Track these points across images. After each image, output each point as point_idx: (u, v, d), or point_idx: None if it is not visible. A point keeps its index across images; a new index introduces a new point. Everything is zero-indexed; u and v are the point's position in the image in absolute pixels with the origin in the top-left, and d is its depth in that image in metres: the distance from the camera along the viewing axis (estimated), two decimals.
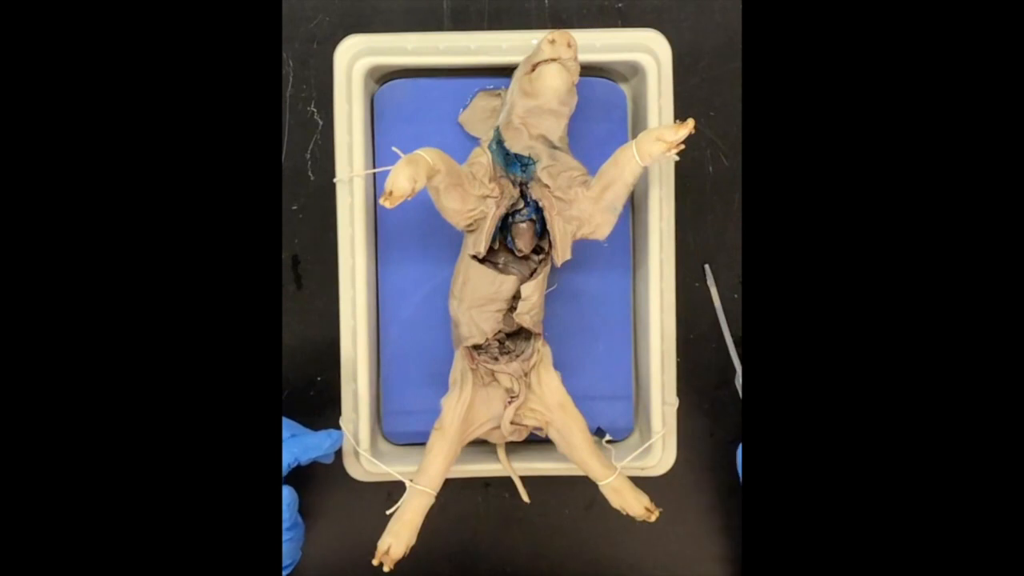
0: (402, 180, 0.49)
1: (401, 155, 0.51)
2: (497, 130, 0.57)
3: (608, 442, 0.63)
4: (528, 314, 0.57)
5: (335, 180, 0.61)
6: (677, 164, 0.61)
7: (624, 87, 0.64)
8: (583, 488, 0.63)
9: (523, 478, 0.62)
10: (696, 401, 0.66)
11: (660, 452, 0.62)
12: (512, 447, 0.62)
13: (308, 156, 0.64)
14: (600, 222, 0.56)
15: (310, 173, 0.65)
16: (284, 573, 0.57)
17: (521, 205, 0.57)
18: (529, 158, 0.56)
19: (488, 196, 0.55)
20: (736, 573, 0.67)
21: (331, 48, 0.61)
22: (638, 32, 0.61)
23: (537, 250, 0.58)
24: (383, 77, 0.63)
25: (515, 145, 0.56)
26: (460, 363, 0.58)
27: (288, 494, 0.55)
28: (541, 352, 0.58)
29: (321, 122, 0.64)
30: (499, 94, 0.62)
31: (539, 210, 0.56)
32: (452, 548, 0.66)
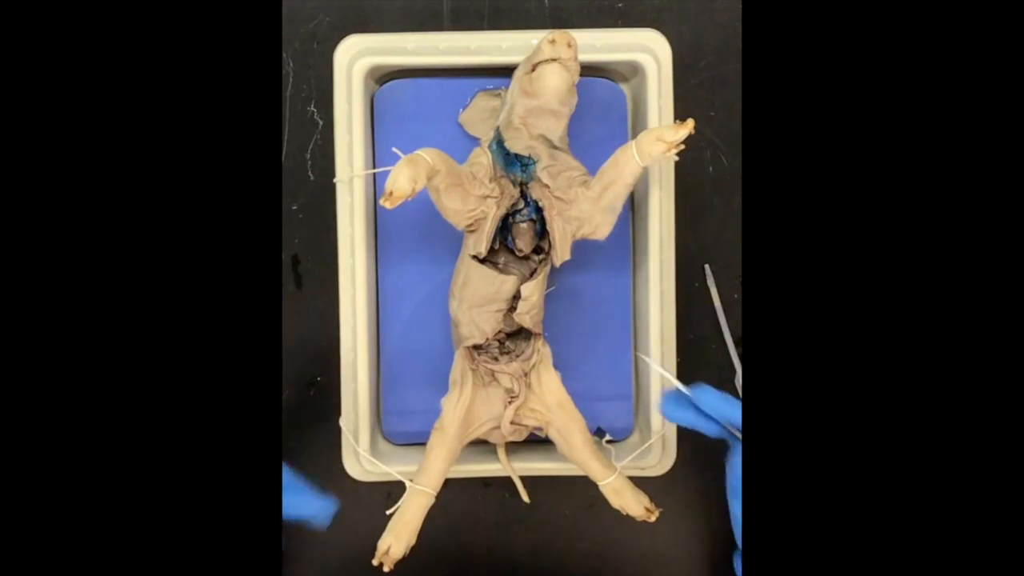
0: (402, 180, 0.49)
1: (401, 155, 0.51)
2: (497, 130, 0.57)
3: (608, 442, 0.63)
4: (528, 314, 0.57)
5: (335, 180, 0.61)
6: (677, 164, 0.61)
7: (624, 87, 0.64)
8: (583, 488, 0.63)
9: (523, 478, 0.62)
10: None
11: (660, 452, 0.62)
12: (512, 447, 0.62)
13: (308, 156, 0.64)
14: (600, 222, 0.56)
15: (310, 173, 0.65)
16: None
17: (521, 205, 0.57)
18: (529, 158, 0.56)
19: (488, 196, 0.55)
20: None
21: (331, 48, 0.61)
22: (638, 32, 0.61)
23: (537, 250, 0.58)
24: (383, 77, 0.63)
25: (515, 145, 0.56)
26: (460, 363, 0.58)
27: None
28: (541, 352, 0.58)
29: (321, 122, 0.64)
30: (499, 94, 0.62)
31: (539, 210, 0.56)
32: (452, 548, 0.66)
